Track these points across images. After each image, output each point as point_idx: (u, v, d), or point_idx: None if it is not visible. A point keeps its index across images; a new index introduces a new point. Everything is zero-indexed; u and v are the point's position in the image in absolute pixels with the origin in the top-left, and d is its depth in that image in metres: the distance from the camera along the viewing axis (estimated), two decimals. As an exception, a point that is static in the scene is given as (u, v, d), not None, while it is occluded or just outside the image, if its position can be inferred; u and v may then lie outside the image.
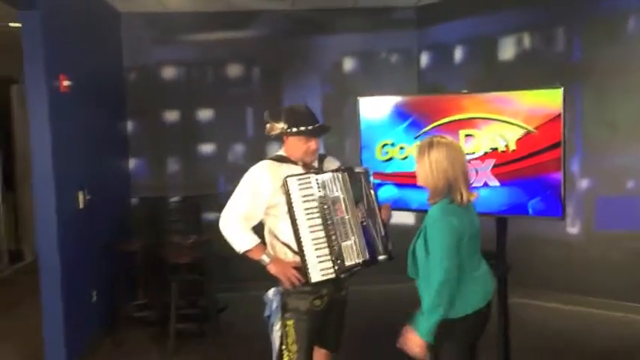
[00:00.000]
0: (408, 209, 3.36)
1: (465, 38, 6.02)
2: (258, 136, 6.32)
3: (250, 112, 6.35)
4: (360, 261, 2.95)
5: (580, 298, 5.31)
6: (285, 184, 2.88)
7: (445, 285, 2.42)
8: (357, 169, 3.09)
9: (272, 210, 2.99)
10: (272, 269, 2.96)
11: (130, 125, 6.17)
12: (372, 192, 3.06)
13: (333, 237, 2.90)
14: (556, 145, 2.99)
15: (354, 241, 2.94)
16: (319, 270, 2.87)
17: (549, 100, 3.00)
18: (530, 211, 3.13)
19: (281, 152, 3.13)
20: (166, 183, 6.21)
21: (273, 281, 5.49)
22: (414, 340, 2.49)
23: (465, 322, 2.50)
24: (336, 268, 2.88)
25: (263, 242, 3.05)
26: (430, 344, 2.46)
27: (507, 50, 5.75)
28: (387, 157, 3.50)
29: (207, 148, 6.31)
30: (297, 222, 2.87)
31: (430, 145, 2.52)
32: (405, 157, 3.44)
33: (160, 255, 5.33)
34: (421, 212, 3.43)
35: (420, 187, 3.32)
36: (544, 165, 3.02)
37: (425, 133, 3.35)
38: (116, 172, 5.84)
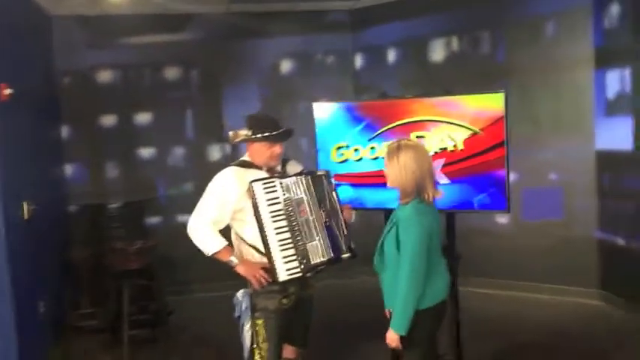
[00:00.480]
0: (364, 208, 3.54)
1: (397, 41, 6.30)
2: (197, 139, 6.35)
3: (190, 115, 6.37)
4: (325, 259, 3.11)
5: (513, 283, 5.70)
6: (250, 189, 3.00)
7: (416, 282, 2.62)
8: (319, 172, 3.25)
9: (238, 214, 3.11)
10: (240, 270, 3.08)
11: (65, 131, 6.03)
12: (334, 193, 3.23)
13: (298, 237, 3.05)
14: (500, 145, 3.27)
15: (319, 241, 3.10)
16: (286, 270, 3.01)
17: (492, 103, 3.27)
18: (476, 205, 3.40)
19: (245, 157, 3.23)
20: (106, 189, 6.12)
21: (218, 282, 5.60)
22: (389, 335, 2.68)
23: (432, 311, 2.72)
24: (302, 267, 3.03)
25: (230, 245, 3.16)
26: (402, 336, 2.66)
27: (437, 52, 6.07)
28: (342, 158, 3.68)
29: (146, 152, 6.27)
30: (264, 224, 3.00)
31: (399, 149, 2.70)
32: (360, 159, 3.63)
33: (106, 262, 5.28)
34: (376, 211, 3.66)
35: (374, 187, 3.56)
36: (490, 163, 3.29)
37: (378, 135, 3.56)
38: (53, 179, 5.70)
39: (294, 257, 3.02)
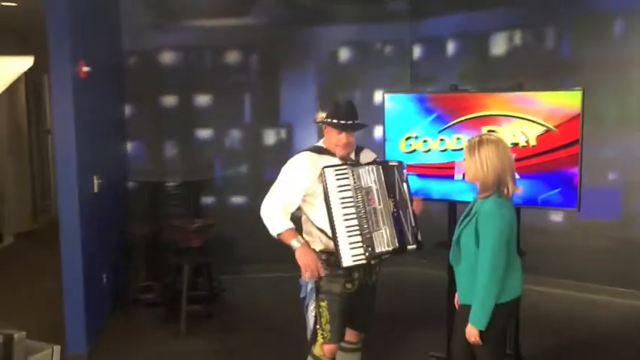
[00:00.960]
0: (430, 199, 3.57)
1: (457, 32, 6.26)
2: (254, 123, 6.45)
3: (247, 98, 6.46)
4: (390, 249, 3.14)
5: (566, 282, 5.66)
6: (322, 174, 3.06)
7: (496, 276, 2.66)
8: (391, 162, 3.28)
9: (309, 198, 3.18)
10: (297, 254, 3.10)
11: (128, 109, 6.20)
12: (405, 185, 3.25)
13: (365, 225, 3.09)
14: (574, 143, 3.26)
15: (385, 230, 3.13)
16: (351, 256, 3.05)
17: (569, 100, 3.26)
18: (546, 202, 3.41)
19: (320, 143, 3.30)
20: (164, 167, 6.28)
21: (268, 263, 5.66)
22: (469, 330, 2.73)
23: (508, 306, 2.76)
24: (367, 254, 3.07)
25: (296, 230, 3.22)
26: (481, 330, 2.71)
27: (499, 46, 6.02)
28: (410, 149, 3.71)
29: (204, 133, 6.39)
30: (332, 210, 3.06)
31: (480, 143, 2.73)
32: (428, 150, 3.66)
33: (164, 239, 5.44)
34: (443, 202, 3.69)
35: (441, 178, 3.59)
36: (561, 160, 3.29)
37: (449, 127, 3.58)
38: (116, 156, 5.88)
39: (360, 244, 3.06)
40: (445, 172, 3.61)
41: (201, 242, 5.05)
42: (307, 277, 3.11)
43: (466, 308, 2.78)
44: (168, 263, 5.25)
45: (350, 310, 3.25)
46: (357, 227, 3.08)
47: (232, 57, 6.38)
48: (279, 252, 6.00)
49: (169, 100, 6.32)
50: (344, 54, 6.51)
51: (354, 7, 6.37)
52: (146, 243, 5.68)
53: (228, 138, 6.42)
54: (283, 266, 6.08)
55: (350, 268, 3.11)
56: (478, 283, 2.68)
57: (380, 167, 3.21)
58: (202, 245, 5.07)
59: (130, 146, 6.23)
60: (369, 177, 3.16)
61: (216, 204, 6.35)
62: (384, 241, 3.13)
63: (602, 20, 5.47)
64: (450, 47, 6.33)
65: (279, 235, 3.13)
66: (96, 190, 4.58)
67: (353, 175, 3.12)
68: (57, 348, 3.47)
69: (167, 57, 6.27)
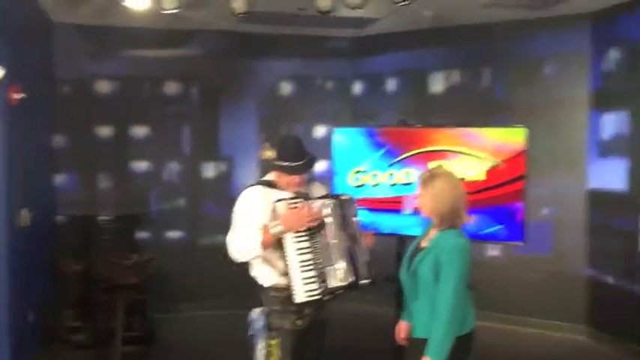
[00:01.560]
0: (379, 233, 3.55)
1: (397, 70, 6.41)
2: (193, 155, 6.31)
3: (186, 130, 6.33)
4: (345, 284, 3.08)
5: (502, 316, 5.74)
6: (274, 209, 2.99)
7: (458, 310, 2.66)
8: (343, 197, 3.25)
9: None
10: (284, 223, 2.97)
11: (60, 139, 5.93)
12: (356, 218, 3.23)
13: (319, 260, 3.03)
14: (519, 178, 3.35)
15: (339, 265, 3.08)
16: (304, 291, 2.99)
17: (514, 137, 3.36)
18: (493, 236, 3.46)
19: (269, 177, 3.23)
20: (96, 200, 6.01)
21: (206, 300, 5.51)
22: None
23: (465, 339, 2.75)
24: (321, 290, 3.01)
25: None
26: None
27: (437, 84, 6.19)
28: (359, 183, 3.71)
29: (140, 165, 6.19)
30: (286, 245, 2.99)
31: (433, 177, 2.75)
32: (377, 184, 3.67)
33: (97, 275, 5.17)
34: (391, 236, 3.69)
35: (390, 212, 3.59)
36: (507, 195, 3.36)
37: (398, 161, 3.60)
38: (46, 188, 5.58)
39: (314, 280, 3.00)
40: (394, 205, 3.62)
41: (138, 279, 4.83)
42: (314, 222, 2.98)
43: (422, 342, 2.74)
44: (101, 301, 4.98)
45: (300, 347, 3.15)
46: (311, 262, 3.02)
47: (171, 88, 6.25)
48: (217, 288, 5.96)
49: (104, 131, 6.10)
50: (286, 88, 6.51)
51: (296, 42, 6.40)
52: (77, 280, 5.38)
53: (165, 170, 6.24)
54: (221, 303, 6.01)
55: (302, 304, 3.03)
56: (438, 317, 2.66)
57: (334, 201, 3.17)
58: (138, 282, 4.85)
59: (60, 178, 5.93)
60: (323, 211, 3.12)
61: (152, 239, 6.11)
62: (338, 276, 3.07)
63: (533, 64, 5.73)
64: (391, 84, 6.46)
65: (261, 243, 3.00)
66: (24, 223, 4.31)
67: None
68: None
69: (103, 86, 6.07)
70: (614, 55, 5.29)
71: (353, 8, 4.34)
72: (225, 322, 5.74)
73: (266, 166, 3.29)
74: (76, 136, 5.98)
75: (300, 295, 2.99)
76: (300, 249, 3.02)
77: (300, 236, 3.02)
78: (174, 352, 5.03)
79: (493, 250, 5.91)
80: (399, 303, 3.81)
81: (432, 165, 3.49)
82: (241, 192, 3.17)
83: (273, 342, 3.09)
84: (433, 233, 2.82)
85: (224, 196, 6.27)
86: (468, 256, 2.71)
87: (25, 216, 4.30)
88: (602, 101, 5.40)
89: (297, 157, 3.07)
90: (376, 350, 4.75)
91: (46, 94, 5.56)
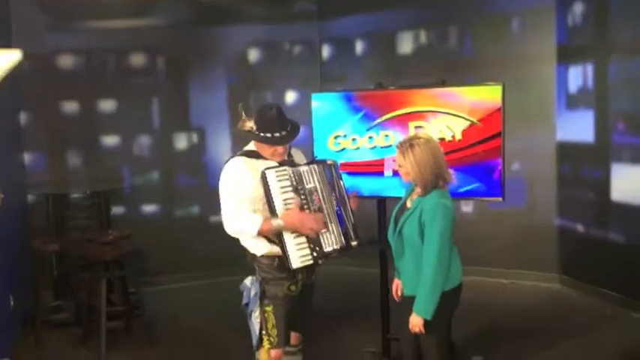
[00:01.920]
0: (360, 196, 3.60)
1: (364, 32, 6.39)
2: (164, 128, 6.22)
3: (155, 102, 6.22)
4: (337, 247, 3.12)
5: (477, 269, 5.86)
6: (263, 177, 2.99)
7: (443, 267, 2.75)
8: (328, 161, 3.27)
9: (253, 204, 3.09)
10: (289, 227, 2.97)
11: (24, 117, 5.77)
12: (341, 182, 3.27)
13: None
14: (497, 135, 3.41)
15: (331, 229, 3.11)
16: (299, 257, 3.01)
17: (490, 94, 3.41)
18: (472, 193, 3.54)
19: (251, 147, 3.21)
20: (68, 178, 5.90)
21: (185, 272, 5.52)
22: (414, 320, 2.77)
23: (452, 293, 2.84)
24: (314, 254, 3.03)
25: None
26: (425, 320, 2.76)
27: (405, 45, 6.20)
28: (339, 147, 3.73)
29: (110, 140, 6.08)
30: (277, 212, 2.99)
31: (412, 146, 2.79)
32: (357, 148, 3.69)
33: (76, 254, 5.13)
34: (373, 198, 3.74)
35: (371, 175, 3.64)
36: (486, 153, 3.43)
37: (376, 124, 3.63)
38: (14, 167, 5.45)
39: (307, 245, 3.02)
40: (375, 169, 3.66)
41: (117, 255, 4.79)
42: (316, 233, 3.00)
43: (410, 299, 2.83)
44: (81, 279, 4.94)
45: (293, 312, 3.21)
46: None
47: (137, 60, 6.10)
48: (196, 259, 5.96)
49: (70, 107, 5.95)
50: (253, 54, 6.44)
51: (261, 7, 6.30)
52: (53, 259, 5.31)
53: (136, 144, 6.15)
54: (201, 274, 6.03)
55: (296, 270, 3.06)
56: (424, 274, 2.74)
57: (320, 166, 3.18)
58: (118, 258, 4.82)
59: (28, 157, 5.80)
60: (311, 177, 3.13)
61: (128, 214, 6.05)
62: (331, 239, 3.10)
63: (500, 20, 5.78)
64: (358, 47, 6.44)
65: (260, 230, 2.99)
66: (-2, 205, 4.21)
67: (294, 175, 3.07)
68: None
69: (65, 60, 5.90)
70: (578, 8, 5.36)
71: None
72: (206, 292, 5.79)
73: (246, 137, 3.24)
74: (41, 112, 5.83)
75: (296, 261, 3.00)
76: None
77: (290, 203, 3.02)
78: (157, 324, 5.04)
79: (466, 207, 6.03)
80: (383, 264, 3.90)
81: (412, 126, 3.52)
82: (225, 164, 3.14)
83: (268, 308, 3.13)
84: (417, 193, 2.87)
85: (197, 167, 6.25)
86: (450, 214, 2.79)
87: (-3, 197, 4.21)
88: (568, 55, 5.50)
89: (280, 127, 3.04)
90: (361, 311, 4.86)
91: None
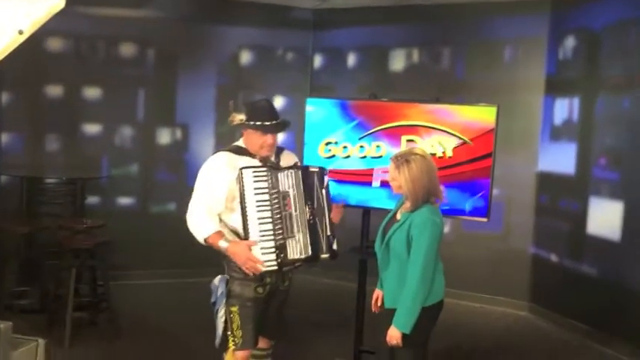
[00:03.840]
0: (347, 205, 3.58)
1: (357, 45, 6.42)
2: (148, 121, 6.15)
3: (142, 94, 6.15)
4: (303, 257, 3.07)
5: (448, 291, 5.86)
6: (240, 175, 2.96)
7: (426, 282, 2.75)
8: (312, 169, 3.20)
9: (229, 203, 3.05)
10: (230, 253, 2.98)
11: (4, 96, 5.64)
12: (324, 191, 3.19)
13: (280, 231, 3.00)
14: (487, 156, 3.44)
15: (299, 237, 3.05)
16: (263, 261, 2.97)
17: (484, 115, 3.44)
18: (457, 212, 3.55)
19: (239, 143, 3.18)
20: (44, 162, 5.79)
21: (156, 269, 5.46)
22: (392, 333, 2.76)
23: (433, 309, 2.83)
24: (279, 261, 2.99)
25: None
26: (403, 334, 2.74)
27: (397, 61, 6.24)
28: (330, 154, 3.71)
29: (92, 128, 5.98)
30: (247, 213, 2.96)
31: (407, 162, 2.79)
32: (348, 156, 3.68)
33: (45, 239, 5.00)
34: (359, 208, 3.73)
35: (359, 184, 3.63)
36: (475, 172, 3.45)
37: (369, 134, 3.63)
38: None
39: (272, 250, 2.98)
40: (363, 178, 3.66)
41: (89, 244, 4.69)
42: (249, 271, 2.97)
43: (391, 312, 2.81)
44: (48, 266, 4.82)
45: (261, 315, 3.15)
46: (270, 232, 2.98)
47: (127, 49, 6.04)
48: (168, 256, 5.86)
49: (54, 90, 5.85)
50: (245, 57, 6.41)
51: (257, 10, 6.30)
52: (21, 244, 5.17)
53: (118, 135, 6.05)
54: (173, 272, 5.93)
55: (262, 273, 3.01)
56: (407, 288, 2.73)
57: (299, 172, 3.12)
58: (89, 247, 4.71)
59: (4, 137, 5.66)
60: (288, 181, 3.06)
61: (103, 204, 5.94)
62: (298, 248, 3.05)
63: (493, 46, 5.87)
64: (351, 59, 6.46)
65: (205, 240, 3.00)
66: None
67: (271, 178, 3.02)
68: (42, 342, 3.04)
69: (53, 43, 5.80)
70: (569, 42, 5.47)
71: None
72: (176, 291, 5.70)
73: (230, 138, 3.22)
74: (23, 93, 5.71)
75: (258, 266, 2.96)
76: (261, 218, 2.98)
77: (262, 205, 2.98)
78: (124, 319, 4.92)
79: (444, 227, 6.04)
80: (362, 273, 3.88)
81: (404, 139, 3.53)
82: (209, 157, 3.13)
83: (233, 309, 3.07)
84: (407, 207, 2.87)
85: (178, 163, 6.18)
86: (439, 231, 2.81)
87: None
88: (557, 87, 5.59)
89: (271, 116, 3.04)
90: (336, 320, 4.84)
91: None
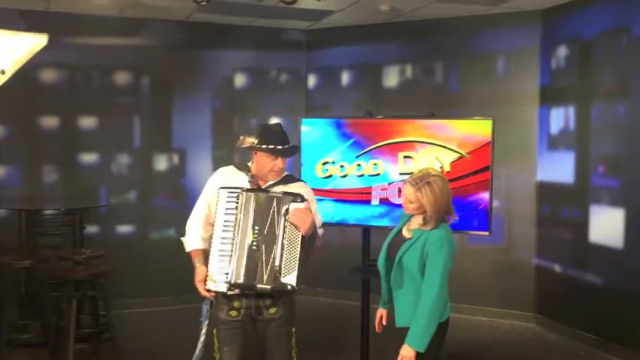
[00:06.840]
0: (345, 224, 3.57)
1: (351, 64, 6.44)
2: (144, 147, 6.14)
3: (137, 122, 6.14)
4: (238, 282, 2.93)
5: (454, 305, 5.85)
6: (216, 194, 2.98)
7: (441, 301, 2.74)
8: (273, 193, 3.00)
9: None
10: (195, 273, 3.06)
11: (0, 130, 5.64)
12: (283, 219, 2.93)
13: (230, 254, 2.94)
14: (485, 169, 3.42)
15: (241, 263, 2.93)
16: (213, 281, 2.94)
17: (480, 129, 3.43)
18: (459, 226, 3.52)
19: (249, 164, 3.16)
20: (42, 194, 5.77)
21: (158, 297, 5.37)
22: (406, 352, 2.71)
23: (445, 325, 2.82)
24: (226, 283, 2.93)
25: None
26: (419, 352, 2.71)
27: (391, 78, 6.26)
28: (327, 174, 3.70)
29: (88, 157, 5.97)
30: (215, 231, 2.98)
31: (429, 184, 2.78)
32: (345, 175, 3.67)
33: (46, 271, 4.96)
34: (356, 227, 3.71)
35: (357, 203, 3.61)
36: (473, 186, 3.43)
37: (366, 152, 3.61)
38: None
39: (225, 271, 2.93)
40: (362, 197, 3.64)
41: (89, 275, 4.65)
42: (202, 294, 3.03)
43: (405, 330, 2.78)
44: (49, 298, 4.77)
45: (244, 341, 3.05)
46: (228, 253, 2.93)
47: (121, 78, 6.05)
48: (169, 284, 5.82)
49: (49, 121, 5.84)
50: (239, 80, 6.43)
51: (250, 33, 6.33)
52: (21, 277, 5.13)
53: (115, 163, 6.04)
54: (174, 299, 5.88)
55: (231, 296, 2.97)
56: (422, 306, 2.71)
57: (262, 196, 2.98)
58: (90, 278, 4.67)
59: (1, 170, 5.65)
60: (250, 205, 2.96)
61: (102, 233, 5.91)
62: (237, 273, 2.92)
63: (485, 59, 5.89)
64: (344, 78, 6.48)
65: (189, 252, 3.12)
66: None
67: (242, 200, 2.96)
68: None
69: (47, 75, 5.81)
70: (562, 52, 5.49)
71: (317, -1, 4.32)
72: (177, 318, 5.64)
73: (228, 161, 3.21)
74: (18, 126, 5.71)
75: (210, 284, 2.95)
76: (224, 238, 2.96)
77: (227, 226, 2.96)
78: (127, 349, 4.87)
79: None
80: (365, 294, 3.84)
81: (401, 156, 3.52)
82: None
83: (214, 331, 3.09)
84: (415, 224, 2.85)
85: (176, 189, 6.16)
86: (453, 249, 2.80)
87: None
88: (551, 97, 5.60)
89: (282, 140, 3.04)
90: (340, 341, 4.77)
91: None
